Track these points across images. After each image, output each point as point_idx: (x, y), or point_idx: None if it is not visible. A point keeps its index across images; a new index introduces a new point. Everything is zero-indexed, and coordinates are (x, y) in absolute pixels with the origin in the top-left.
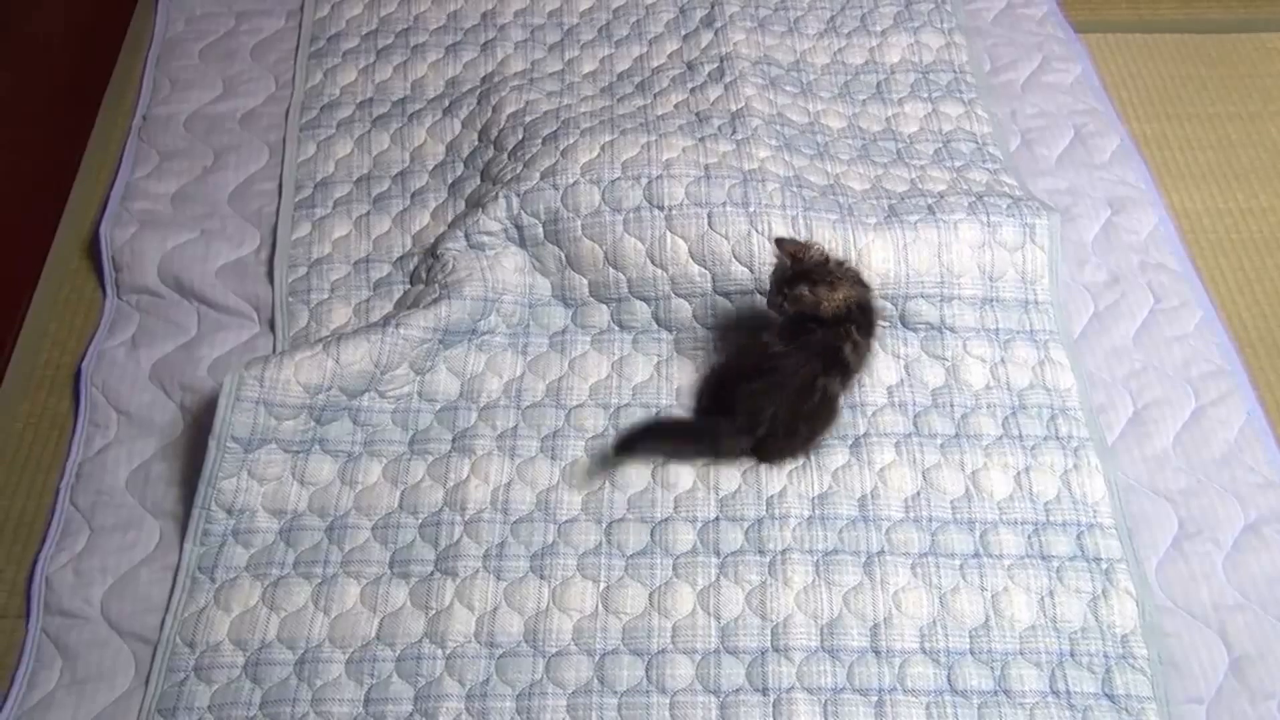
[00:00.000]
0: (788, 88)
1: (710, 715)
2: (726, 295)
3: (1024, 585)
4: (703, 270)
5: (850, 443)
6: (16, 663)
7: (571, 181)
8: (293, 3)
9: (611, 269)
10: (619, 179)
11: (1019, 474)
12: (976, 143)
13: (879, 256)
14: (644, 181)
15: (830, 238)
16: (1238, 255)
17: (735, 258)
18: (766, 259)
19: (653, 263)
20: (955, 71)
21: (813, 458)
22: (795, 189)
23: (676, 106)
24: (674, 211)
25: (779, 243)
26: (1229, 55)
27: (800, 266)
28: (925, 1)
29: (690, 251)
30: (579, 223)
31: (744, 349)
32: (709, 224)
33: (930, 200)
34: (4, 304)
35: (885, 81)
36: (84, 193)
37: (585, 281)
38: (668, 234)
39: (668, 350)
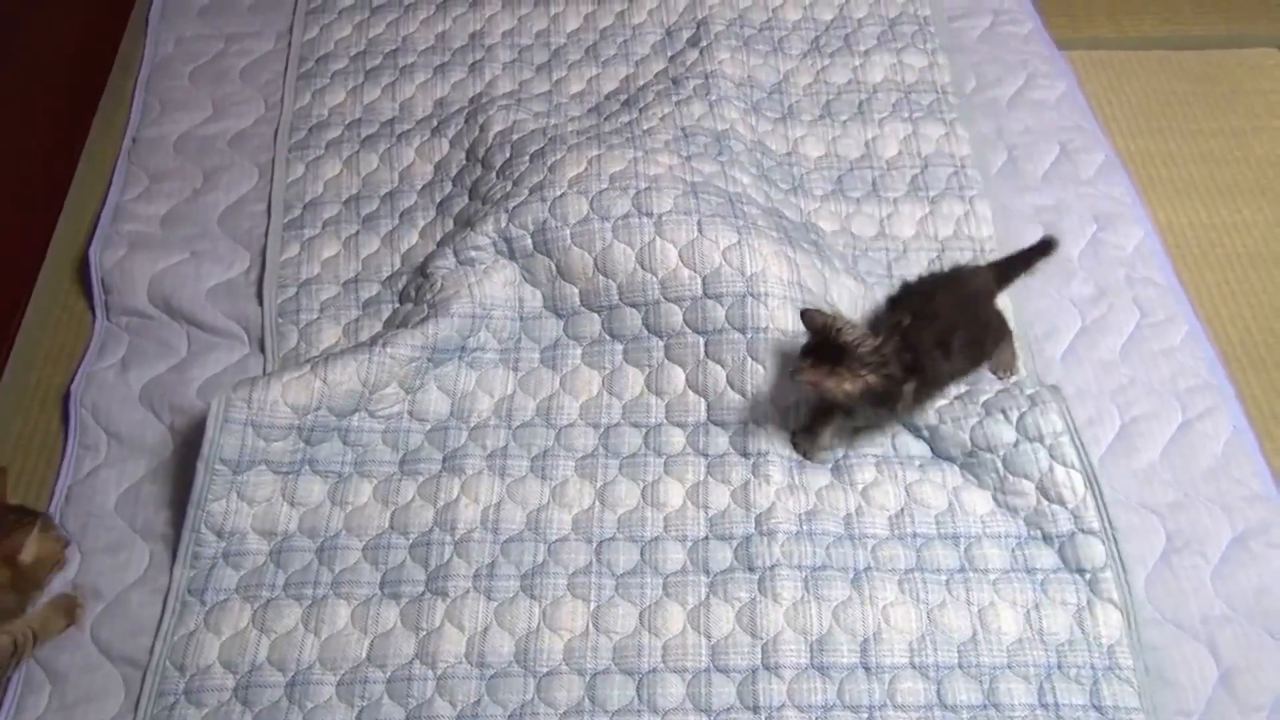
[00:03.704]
0: (768, 113)
1: None
2: (717, 298)
3: (1010, 599)
4: (692, 273)
5: (830, 465)
6: (5, 688)
7: (559, 194)
8: (282, 24)
9: (602, 276)
10: (606, 189)
11: (996, 489)
12: (955, 166)
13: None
14: (632, 192)
15: (810, 274)
16: (1223, 269)
17: (726, 261)
18: (757, 266)
19: (642, 268)
20: (938, 92)
21: (797, 478)
22: (776, 218)
23: (662, 120)
24: (663, 218)
25: (803, 315)
26: (1212, 71)
27: (822, 341)
28: (908, 22)
29: (680, 256)
30: (568, 231)
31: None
32: (699, 230)
33: (893, 255)
34: None
35: (867, 101)
36: (74, 215)
37: (576, 291)
38: (657, 239)
39: (659, 358)
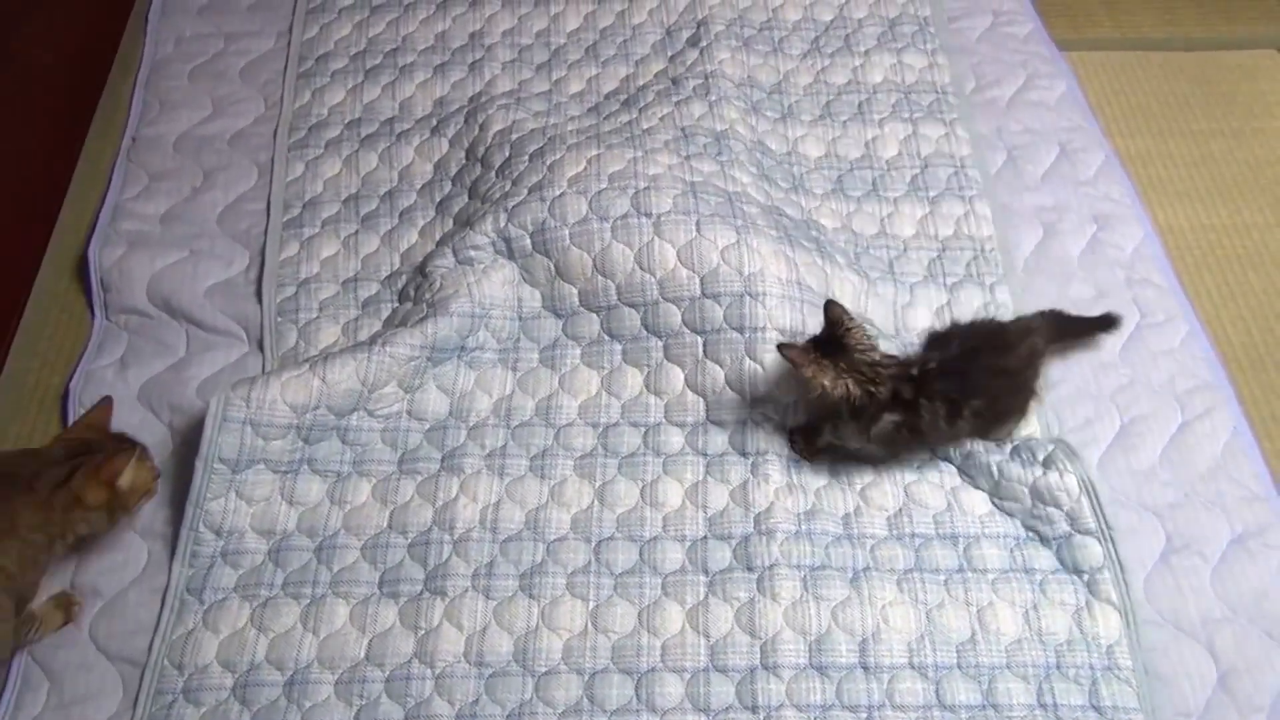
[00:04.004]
0: (768, 113)
1: None
2: (715, 298)
3: (1008, 599)
4: (690, 273)
5: (828, 465)
6: (3, 686)
7: (558, 193)
8: (282, 24)
9: (600, 276)
10: (605, 189)
11: (992, 492)
12: (955, 166)
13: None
14: (631, 192)
15: (810, 272)
16: (1222, 270)
17: (724, 261)
18: (755, 266)
19: (641, 268)
20: (937, 92)
21: (795, 477)
22: (776, 216)
23: (661, 120)
24: (662, 219)
25: (827, 305)
26: (1212, 72)
27: (831, 335)
28: (908, 23)
29: (679, 256)
30: (566, 231)
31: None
32: (697, 230)
33: (893, 254)
34: None
35: (867, 101)
36: (73, 214)
37: (575, 291)
38: (656, 239)
39: (657, 358)
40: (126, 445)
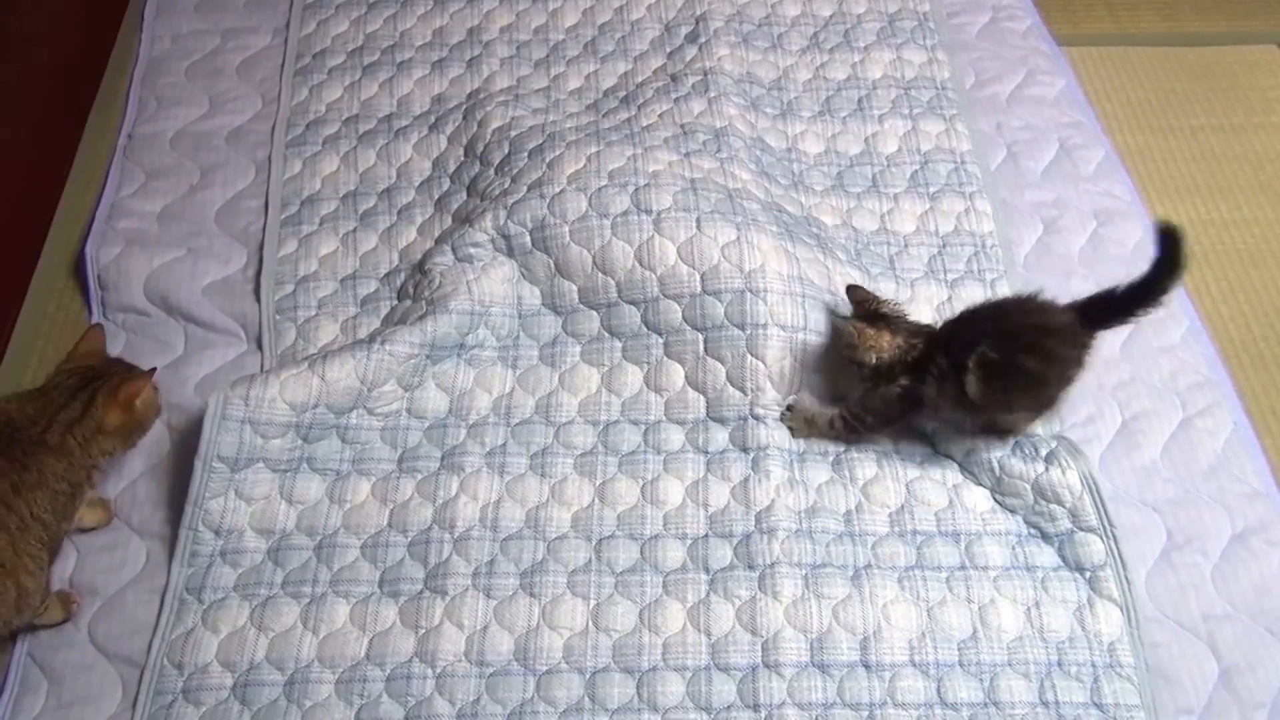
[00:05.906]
0: (768, 109)
1: None
2: (716, 295)
3: (1010, 596)
4: (691, 270)
5: (831, 459)
6: (2, 687)
7: (558, 190)
8: (279, 20)
9: (600, 274)
10: (605, 186)
11: (993, 489)
12: (955, 162)
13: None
14: (631, 189)
15: (811, 268)
16: (1222, 266)
17: (724, 258)
18: (756, 262)
19: (641, 265)
20: (937, 88)
21: (797, 473)
22: (776, 212)
23: (661, 117)
24: (662, 215)
25: (850, 290)
26: (1211, 68)
27: (866, 310)
28: (908, 18)
29: (679, 253)
30: (566, 229)
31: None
32: (698, 227)
33: (894, 250)
34: None
35: (866, 97)
36: (70, 212)
37: (575, 288)
38: (656, 236)
39: (658, 355)
40: (133, 369)
